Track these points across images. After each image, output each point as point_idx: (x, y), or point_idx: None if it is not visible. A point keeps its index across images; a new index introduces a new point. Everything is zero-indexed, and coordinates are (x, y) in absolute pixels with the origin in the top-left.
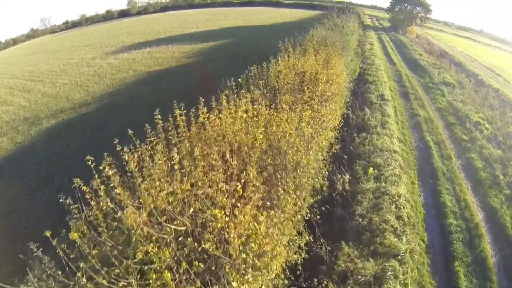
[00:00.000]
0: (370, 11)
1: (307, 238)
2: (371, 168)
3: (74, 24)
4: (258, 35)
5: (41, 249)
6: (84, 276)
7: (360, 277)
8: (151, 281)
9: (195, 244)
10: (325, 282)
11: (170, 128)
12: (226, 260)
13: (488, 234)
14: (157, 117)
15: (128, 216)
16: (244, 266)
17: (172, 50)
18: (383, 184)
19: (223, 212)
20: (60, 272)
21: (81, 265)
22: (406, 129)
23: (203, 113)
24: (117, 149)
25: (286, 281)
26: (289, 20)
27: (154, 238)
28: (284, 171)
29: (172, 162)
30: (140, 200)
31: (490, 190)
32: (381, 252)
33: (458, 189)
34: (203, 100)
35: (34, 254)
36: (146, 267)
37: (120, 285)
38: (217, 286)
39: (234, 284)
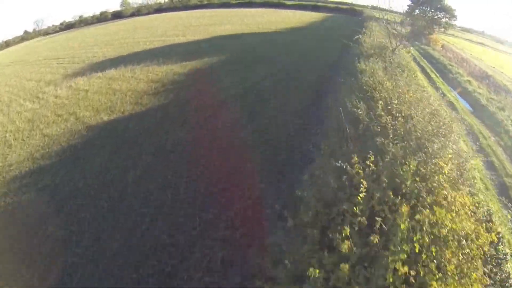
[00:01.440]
0: (377, 12)
1: None
2: None
3: (68, 26)
4: (258, 52)
5: None
6: None
7: None
8: None
9: None
10: None
11: None
12: None
13: None
14: None
15: None
16: None
17: (140, 75)
18: None
19: None
20: None
21: None
22: None
23: None
24: None
25: None
26: (294, 25)
27: None
28: None
29: None
30: None
31: None
32: None
33: None
34: None
35: None
36: None
37: None
38: None
39: None
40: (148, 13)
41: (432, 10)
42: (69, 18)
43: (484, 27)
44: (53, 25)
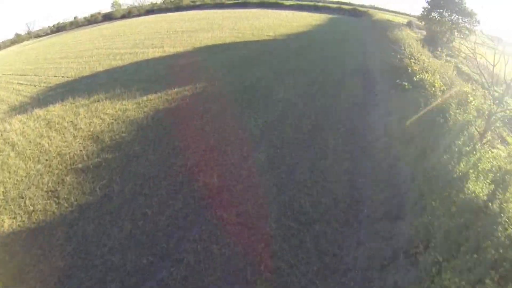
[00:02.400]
0: (384, 14)
1: None
2: None
3: (59, 28)
4: (248, 79)
5: None
6: None
7: None
8: None
9: None
10: None
11: None
12: None
13: None
14: None
15: None
16: None
17: (82, 120)
18: None
19: None
20: None
21: None
22: None
23: None
24: None
25: None
26: (296, 30)
27: None
28: None
29: None
30: None
31: None
32: None
33: None
34: None
35: None
36: None
37: None
38: None
39: None
40: (139, 15)
41: (450, 14)
42: (69, 18)
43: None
44: (48, 26)
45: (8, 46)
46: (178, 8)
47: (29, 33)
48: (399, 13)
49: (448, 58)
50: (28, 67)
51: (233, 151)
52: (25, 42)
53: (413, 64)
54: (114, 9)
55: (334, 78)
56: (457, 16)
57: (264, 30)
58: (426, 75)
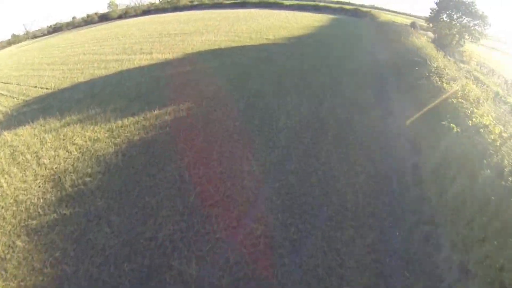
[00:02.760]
0: (385, 14)
1: None
2: None
3: (56, 29)
4: (248, 93)
5: None
6: None
7: None
8: None
9: None
10: None
11: None
12: None
13: None
14: None
15: None
16: None
17: (48, 150)
18: None
19: None
20: None
21: None
22: None
23: None
24: None
25: None
26: (297, 32)
27: None
28: None
29: None
30: None
31: None
32: None
33: None
34: None
35: None
36: None
37: None
38: None
39: None
40: (135, 15)
41: (461, 16)
42: (68, 18)
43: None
44: (47, 26)
45: (5, 47)
46: (176, 9)
47: (26, 33)
48: (399, 13)
49: (461, 65)
50: (14, 74)
51: (220, 220)
52: (22, 43)
53: (452, 89)
54: (111, 10)
55: (346, 96)
56: (467, 19)
57: (263, 32)
58: (479, 117)
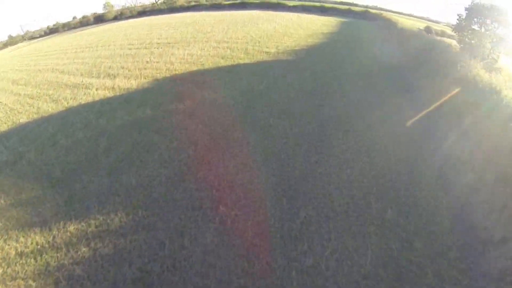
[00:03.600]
0: (393, 15)
1: None
2: None
3: (52, 30)
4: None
5: None
6: None
7: None
8: None
9: None
10: None
11: None
12: None
13: None
14: None
15: None
16: None
17: None
18: None
19: None
20: None
21: None
22: None
23: None
24: None
25: None
26: (305, 42)
27: None
28: None
29: None
30: None
31: None
32: None
33: None
34: None
35: None
36: None
37: None
38: None
39: None
40: (131, 16)
41: (497, 26)
42: (68, 18)
43: None
44: (47, 27)
45: (1, 48)
46: (172, 10)
47: (23, 35)
48: (405, 14)
49: None
50: None
51: None
52: (19, 44)
53: None
54: (106, 10)
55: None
56: (505, 30)
57: (263, 42)
58: None
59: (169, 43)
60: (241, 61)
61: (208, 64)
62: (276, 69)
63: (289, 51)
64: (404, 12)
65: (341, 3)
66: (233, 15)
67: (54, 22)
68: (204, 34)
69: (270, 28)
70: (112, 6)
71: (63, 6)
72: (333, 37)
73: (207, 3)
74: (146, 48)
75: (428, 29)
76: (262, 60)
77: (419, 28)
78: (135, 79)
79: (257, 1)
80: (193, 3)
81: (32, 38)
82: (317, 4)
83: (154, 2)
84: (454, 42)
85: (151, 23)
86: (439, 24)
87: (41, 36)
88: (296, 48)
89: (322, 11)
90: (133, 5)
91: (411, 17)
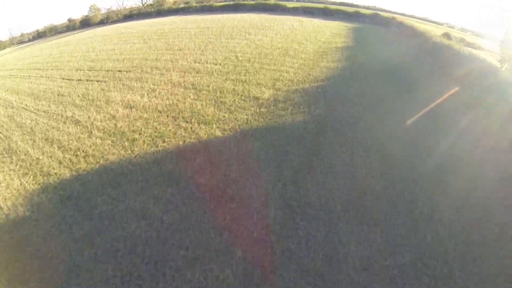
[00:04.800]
0: (412, 21)
1: None
2: None
3: (40, 35)
4: None
5: None
6: None
7: None
8: None
9: None
10: None
11: None
12: None
13: None
14: None
15: None
16: None
17: None
18: None
19: None
20: None
21: None
22: None
23: None
24: None
25: None
26: (319, 69)
27: None
28: None
29: None
30: None
31: None
32: None
33: None
34: None
35: None
36: None
37: None
38: None
39: None
40: (117, 21)
41: None
42: (58, 21)
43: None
44: (36, 31)
45: None
46: (159, 13)
47: (13, 39)
48: (415, 17)
49: None
50: None
51: None
52: (7, 49)
53: None
54: (92, 14)
55: None
56: None
57: (253, 69)
58: None
59: (114, 76)
60: (204, 137)
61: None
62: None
63: (296, 95)
64: (418, 15)
65: (344, 4)
66: (222, 20)
67: (50, 24)
68: (173, 53)
69: (265, 40)
70: (99, 9)
71: (58, 8)
72: (353, 54)
73: (197, 5)
74: (83, 84)
75: (447, 35)
76: (248, 128)
77: (437, 35)
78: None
79: (252, 3)
80: (182, 5)
81: (21, 42)
82: (320, 5)
83: (142, 5)
84: (487, 55)
85: (125, 31)
86: (453, 29)
87: (29, 40)
88: (307, 86)
89: (326, 14)
90: (119, 9)
91: (425, 22)
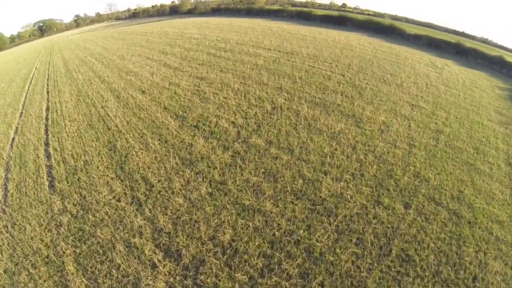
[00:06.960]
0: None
1: None
2: None
3: (134, 14)
4: None
5: None
6: None
7: None
8: None
9: None
10: None
11: None
12: None
13: None
14: None
15: None
16: None
17: None
18: None
19: None
20: None
21: None
22: None
23: None
24: None
25: None
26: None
27: None
28: None
29: None
30: None
31: None
32: None
33: None
34: None
35: None
36: None
37: None
38: None
39: None
40: (205, 13)
41: None
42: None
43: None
44: (128, 9)
45: (88, 24)
46: (250, 12)
47: (110, 14)
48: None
49: None
50: None
51: None
52: (105, 23)
53: None
54: (179, 1)
55: None
56: None
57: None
58: None
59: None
60: None
61: None
62: None
63: None
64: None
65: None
66: (321, 41)
67: (132, 7)
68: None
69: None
70: None
71: None
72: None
73: (293, 9)
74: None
75: None
76: None
77: None
78: None
79: (361, 18)
80: (276, 7)
81: (118, 18)
82: (451, 39)
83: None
84: None
85: (196, 31)
86: None
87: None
88: None
89: (460, 53)
90: (207, 0)
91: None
